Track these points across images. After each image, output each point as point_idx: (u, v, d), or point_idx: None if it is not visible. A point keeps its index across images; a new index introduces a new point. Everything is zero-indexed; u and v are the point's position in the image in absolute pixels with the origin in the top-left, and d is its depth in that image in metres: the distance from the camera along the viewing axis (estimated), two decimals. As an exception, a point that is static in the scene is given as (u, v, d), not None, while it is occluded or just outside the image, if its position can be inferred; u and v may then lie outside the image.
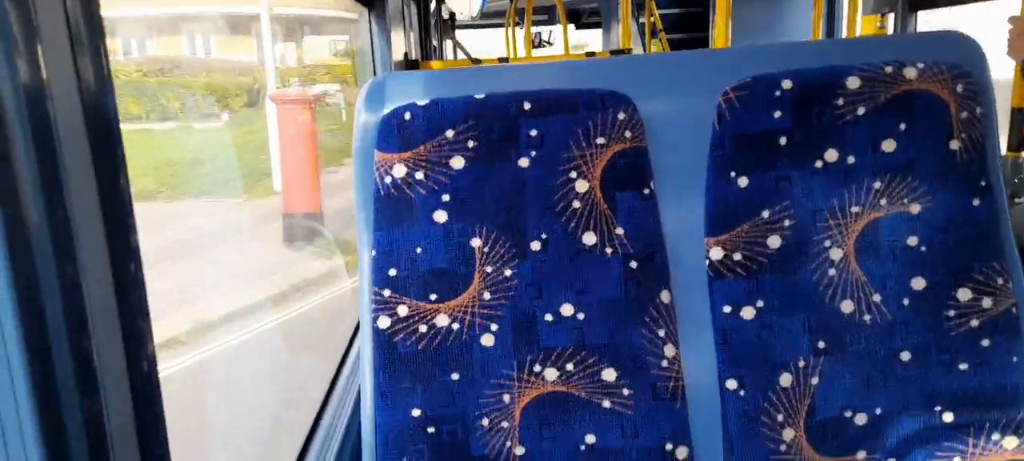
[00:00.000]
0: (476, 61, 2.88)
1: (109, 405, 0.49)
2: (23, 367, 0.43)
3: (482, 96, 1.00)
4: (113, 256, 0.50)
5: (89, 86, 0.48)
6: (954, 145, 1.00)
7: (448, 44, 5.96)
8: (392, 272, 1.00)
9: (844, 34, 3.50)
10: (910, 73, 1.00)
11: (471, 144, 0.99)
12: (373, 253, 1.01)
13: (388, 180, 1.00)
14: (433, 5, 3.75)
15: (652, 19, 4.58)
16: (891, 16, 2.66)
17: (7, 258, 0.42)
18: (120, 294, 0.51)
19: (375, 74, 2.20)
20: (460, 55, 5.90)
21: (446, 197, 1.00)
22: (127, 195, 0.52)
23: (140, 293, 0.53)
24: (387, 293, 1.00)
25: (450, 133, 0.99)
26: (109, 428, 0.49)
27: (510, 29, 5.93)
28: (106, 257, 0.49)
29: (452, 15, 5.97)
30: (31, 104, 0.44)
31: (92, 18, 0.49)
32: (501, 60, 2.85)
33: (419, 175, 1.00)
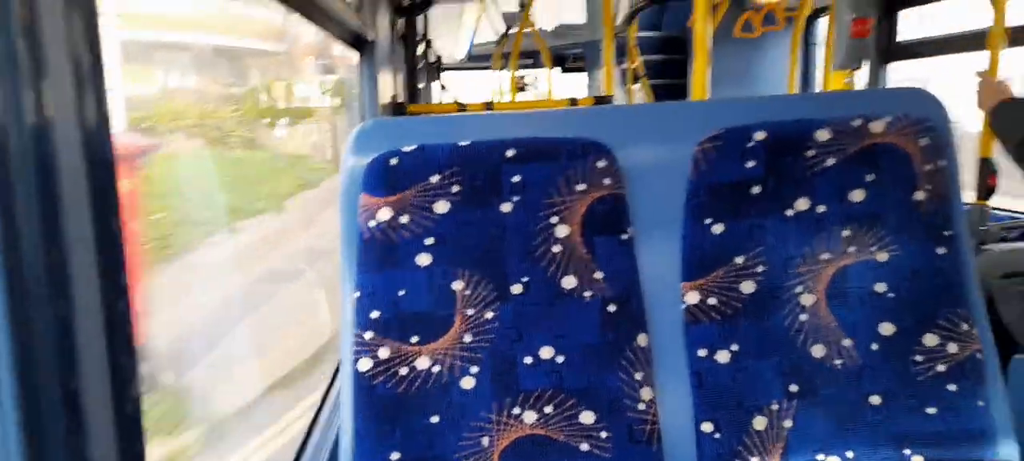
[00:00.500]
0: (462, 106, 2.93)
1: (93, 446, 0.50)
2: (13, 403, 0.44)
3: (466, 143, 1.04)
4: (104, 295, 0.51)
5: (90, 125, 0.50)
6: (919, 196, 1.04)
7: (434, 87, 6.04)
8: (375, 314, 1.01)
9: (819, 87, 3.61)
10: (876, 127, 1.04)
11: (455, 189, 1.02)
12: (357, 295, 1.03)
13: (373, 223, 1.02)
14: (421, 48, 3.82)
15: (634, 66, 4.68)
16: (860, 71, 2.76)
17: (4, 294, 0.43)
18: (109, 332, 0.52)
19: (362, 118, 2.23)
20: (446, 97, 5.98)
21: (430, 240, 1.02)
22: (120, 233, 0.53)
23: (128, 331, 0.54)
24: (368, 336, 1.01)
25: (435, 178, 1.02)
26: (86, 425, 0.50)
27: (497, 72, 6.02)
28: (98, 296, 0.51)
29: (439, 58, 6.05)
30: (35, 141, 0.45)
31: (95, 58, 0.50)
32: (487, 105, 2.90)
33: (404, 219, 1.02)
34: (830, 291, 1.04)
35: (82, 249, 0.49)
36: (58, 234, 0.47)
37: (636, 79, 4.70)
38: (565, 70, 8.91)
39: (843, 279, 1.04)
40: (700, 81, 2.03)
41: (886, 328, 1.03)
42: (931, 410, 1.02)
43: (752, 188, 1.04)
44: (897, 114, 1.05)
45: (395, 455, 1.00)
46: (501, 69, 6.09)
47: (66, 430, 0.48)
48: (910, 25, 3.08)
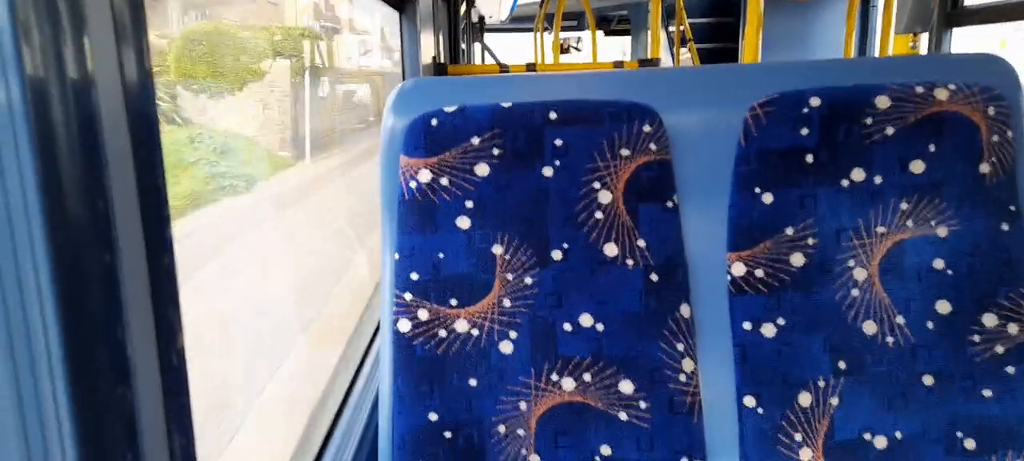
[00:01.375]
0: (504, 67, 2.89)
1: (140, 396, 0.51)
2: (61, 355, 0.45)
3: (509, 104, 1.01)
4: (149, 249, 0.51)
5: (132, 80, 0.49)
6: (984, 168, 0.98)
7: (476, 48, 5.99)
8: (414, 276, 1.01)
9: (877, 52, 3.45)
10: (941, 94, 0.98)
11: (496, 152, 1.00)
12: (396, 257, 1.02)
13: (413, 185, 1.01)
14: (463, 8, 3.77)
15: (681, 28, 4.56)
16: (924, 36, 2.62)
17: (49, 247, 0.43)
18: (154, 287, 0.52)
19: (404, 77, 2.22)
20: (488, 59, 5.93)
21: (469, 204, 1.01)
22: (164, 189, 0.53)
23: (173, 287, 0.54)
24: (408, 297, 1.01)
25: (476, 140, 1.00)
26: (140, 419, 0.51)
27: (539, 34, 5.94)
28: (142, 250, 0.51)
29: (481, 19, 5.99)
30: (77, 96, 0.45)
31: (137, 10, 0.49)
32: (529, 66, 2.85)
33: (444, 181, 1.01)
34: (884, 266, 1.00)
35: (126, 203, 0.49)
36: (102, 188, 0.47)
37: (683, 42, 4.59)
38: (609, 33, 8.76)
39: (899, 254, 1.00)
40: (752, 43, 1.95)
41: (943, 306, 0.99)
42: (987, 393, 0.98)
43: (805, 156, 0.99)
44: (964, 81, 0.99)
45: (433, 415, 1.00)
46: (544, 31, 6.00)
47: (113, 380, 0.48)
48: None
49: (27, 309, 0.44)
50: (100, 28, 0.46)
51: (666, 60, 4.73)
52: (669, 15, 4.88)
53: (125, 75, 0.49)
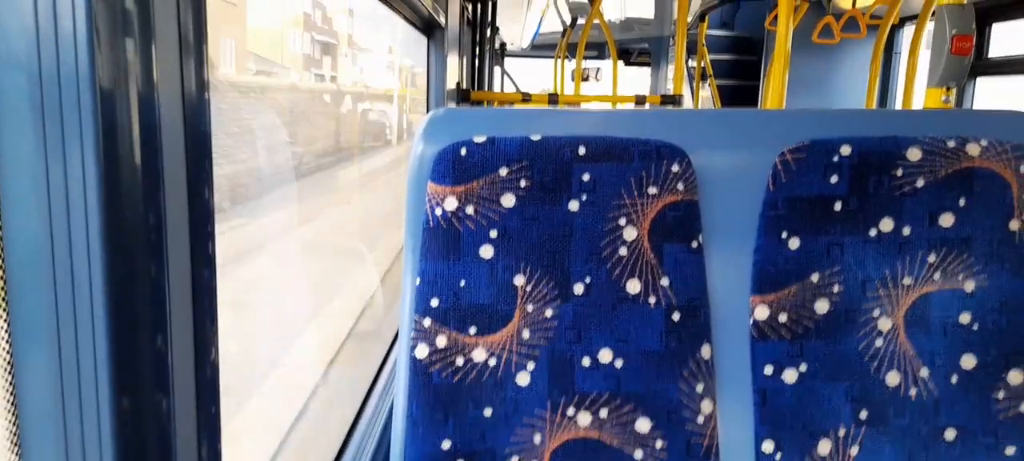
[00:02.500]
0: (526, 95, 2.91)
1: (176, 404, 0.51)
2: (106, 358, 0.45)
3: (538, 137, 1.02)
4: (194, 261, 0.52)
5: (192, 94, 0.50)
6: (1014, 225, 0.98)
7: (496, 73, 6.04)
8: (434, 302, 1.01)
9: (898, 102, 3.45)
10: (973, 150, 0.98)
11: (523, 184, 1.01)
12: (417, 282, 1.02)
13: (438, 212, 1.02)
14: (487, 34, 3.81)
15: (703, 64, 4.58)
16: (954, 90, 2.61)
17: (104, 252, 0.44)
18: (196, 299, 0.52)
19: (428, 101, 2.24)
20: (508, 85, 5.98)
21: (494, 233, 1.01)
22: (211, 202, 0.54)
23: (213, 300, 0.55)
24: (427, 323, 1.01)
25: (504, 171, 1.01)
26: (174, 426, 0.51)
27: (560, 62, 5.98)
28: (188, 261, 0.51)
29: (503, 45, 6.04)
30: (142, 106, 0.45)
31: (200, 25, 0.50)
32: (550, 96, 2.87)
33: (469, 209, 1.01)
34: (910, 318, 0.99)
35: (177, 214, 0.50)
36: (157, 198, 0.47)
37: (703, 78, 4.60)
38: (629, 64, 8.81)
39: (925, 306, 0.99)
40: (778, 87, 1.96)
41: (968, 361, 0.97)
42: (1010, 450, 0.96)
43: (834, 204, 0.99)
44: (995, 138, 0.99)
45: (446, 443, 1.00)
46: (566, 59, 6.04)
47: (153, 387, 0.49)
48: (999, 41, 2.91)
49: (78, 311, 0.45)
50: (166, 40, 0.47)
51: (686, 95, 4.75)
52: (690, 51, 4.91)
53: (185, 88, 0.49)
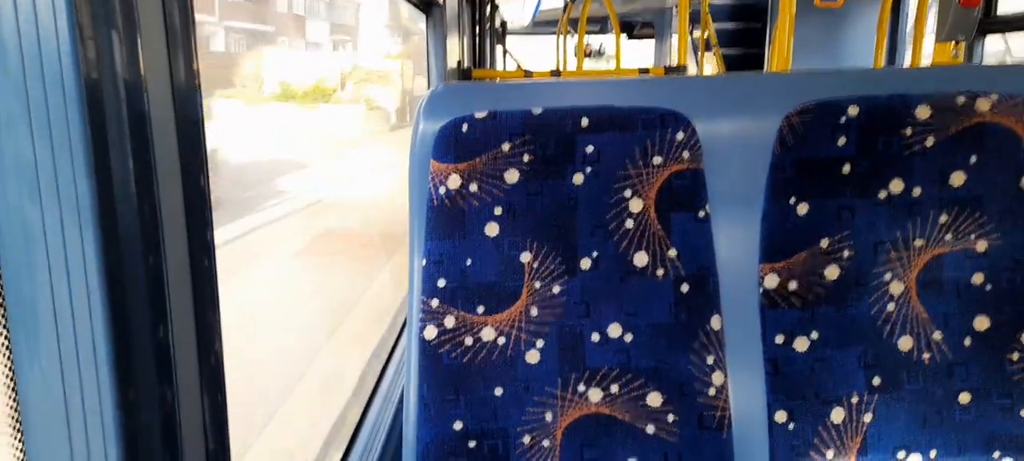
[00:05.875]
0: (528, 72, 2.88)
1: (181, 393, 0.51)
2: (107, 352, 0.45)
3: (539, 110, 1.00)
4: (192, 250, 0.51)
5: (180, 83, 0.50)
6: None
7: (498, 52, 5.99)
8: (441, 283, 1.01)
9: (907, 61, 3.39)
10: (983, 105, 0.96)
11: (526, 158, 0.99)
12: (423, 262, 1.02)
13: (442, 190, 1.01)
14: (487, 12, 3.77)
15: (707, 34, 4.52)
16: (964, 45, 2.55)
17: (99, 245, 0.44)
18: (196, 289, 0.52)
19: (429, 81, 2.22)
20: (510, 63, 5.93)
21: (498, 210, 1.00)
22: (207, 191, 0.53)
23: (213, 289, 0.54)
24: (435, 303, 1.01)
25: (506, 146, 1.00)
26: (179, 417, 0.51)
27: (562, 38, 5.93)
28: (186, 251, 0.51)
29: (503, 23, 5.99)
30: (129, 97, 0.45)
31: (187, 16, 0.50)
32: (553, 72, 2.84)
33: (473, 187, 1.00)
34: (921, 280, 0.97)
35: (172, 205, 0.49)
36: (150, 189, 0.47)
37: (708, 47, 4.55)
38: (631, 37, 8.72)
39: (937, 268, 0.97)
40: (782, 50, 1.92)
41: (981, 322, 0.96)
42: None
43: (842, 167, 0.97)
44: (1006, 92, 0.96)
45: (458, 424, 1.00)
46: (567, 35, 5.98)
47: (157, 379, 0.48)
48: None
49: (75, 306, 0.44)
50: (152, 32, 0.47)
51: (691, 66, 4.69)
52: (694, 21, 4.84)
53: (174, 78, 0.49)
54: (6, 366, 0.45)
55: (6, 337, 0.45)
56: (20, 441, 0.46)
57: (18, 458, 0.46)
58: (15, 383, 0.45)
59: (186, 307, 0.51)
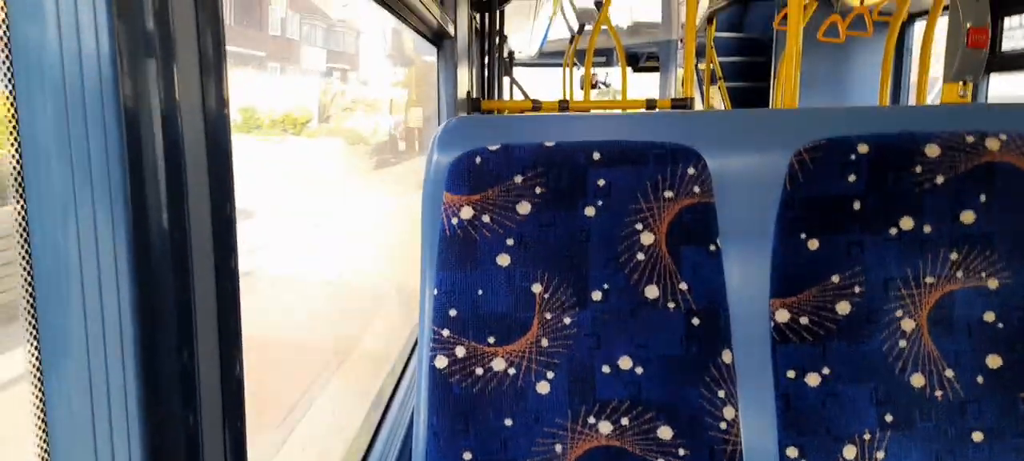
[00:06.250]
0: (536, 103, 2.90)
1: (203, 418, 0.51)
2: (136, 374, 0.45)
3: (552, 144, 1.02)
4: (218, 275, 0.52)
5: (212, 111, 0.51)
6: None
7: (505, 82, 6.05)
8: (452, 312, 1.01)
9: (911, 98, 3.41)
10: (992, 144, 0.97)
11: (539, 190, 1.00)
12: (435, 292, 1.02)
13: (455, 221, 1.02)
14: (496, 42, 3.82)
15: (712, 67, 4.57)
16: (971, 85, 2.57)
17: (132, 267, 0.44)
18: (221, 315, 0.53)
19: (439, 112, 2.25)
20: (517, 94, 5.98)
21: (511, 241, 1.01)
22: (233, 216, 0.54)
23: (237, 315, 0.55)
24: (446, 333, 1.01)
25: (519, 179, 1.01)
26: (202, 441, 0.51)
27: (569, 70, 5.99)
28: (213, 276, 0.52)
29: (511, 54, 6.06)
30: (165, 125, 0.46)
31: (219, 44, 0.51)
32: (561, 103, 2.86)
33: (485, 218, 1.01)
34: (933, 317, 0.97)
35: (201, 232, 0.50)
36: (181, 217, 0.48)
37: (713, 81, 4.59)
38: (637, 70, 8.80)
39: (949, 305, 0.97)
40: (789, 85, 1.95)
41: (993, 360, 0.96)
42: None
43: (852, 203, 0.98)
44: (1016, 131, 0.98)
45: (467, 454, 0.99)
46: (574, 66, 6.04)
47: (182, 403, 0.49)
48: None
49: (106, 326, 0.45)
50: (187, 61, 0.48)
51: (696, 99, 4.73)
52: (699, 54, 4.90)
53: (206, 107, 0.50)
54: (37, 389, 0.46)
55: (38, 359, 0.45)
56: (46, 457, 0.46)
57: None
58: (44, 404, 0.46)
59: (211, 332, 0.52)
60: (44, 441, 0.46)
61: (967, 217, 0.97)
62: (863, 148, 0.98)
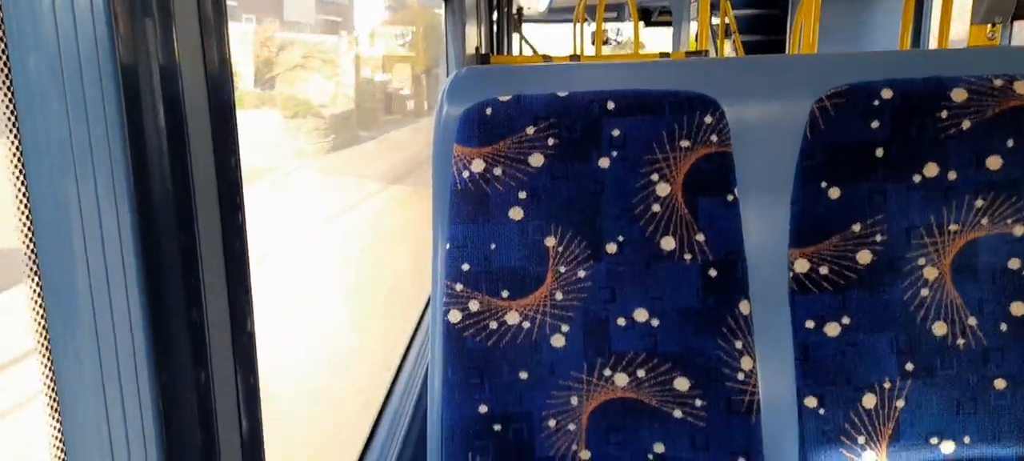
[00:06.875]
0: (546, 57, 2.86)
1: (215, 374, 0.51)
2: (143, 331, 0.45)
3: (565, 94, 0.99)
4: (224, 232, 0.51)
5: (214, 70, 0.50)
6: None
7: (514, 39, 5.97)
8: (465, 267, 1.00)
9: (932, 43, 3.32)
10: (1021, 88, 0.94)
11: (551, 142, 0.98)
12: (447, 247, 1.01)
13: (466, 175, 1.00)
14: None
15: (726, 20, 4.47)
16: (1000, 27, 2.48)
17: (136, 226, 0.44)
18: (229, 271, 0.52)
19: (448, 68, 2.21)
20: (527, 50, 5.90)
21: (523, 194, 0.99)
22: (239, 174, 0.53)
23: (245, 270, 0.55)
24: (459, 287, 1.00)
25: (531, 130, 0.99)
26: (214, 399, 0.51)
27: (579, 26, 5.89)
28: (219, 232, 0.51)
29: (520, 10, 5.96)
30: (164, 82, 0.45)
31: (219, 5, 0.50)
32: (572, 57, 2.82)
33: (497, 171, 0.99)
34: (956, 265, 0.95)
35: (205, 188, 0.49)
36: (185, 173, 0.47)
37: (728, 34, 4.50)
38: (649, 24, 8.65)
39: (972, 253, 0.95)
40: (808, 34, 1.89)
41: (1017, 308, 0.94)
42: None
43: (875, 150, 0.95)
44: None
45: (483, 407, 0.99)
46: (584, 22, 5.94)
47: (192, 361, 0.48)
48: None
49: (112, 287, 0.44)
50: (187, 20, 0.47)
51: (710, 53, 4.65)
52: (713, 7, 4.79)
53: (208, 65, 0.49)
54: (44, 346, 0.45)
55: (43, 317, 0.45)
56: (58, 419, 0.46)
57: (56, 435, 0.46)
58: (52, 363, 0.45)
59: (219, 289, 0.52)
60: (54, 399, 0.46)
61: (994, 163, 0.94)
62: (887, 93, 0.95)
